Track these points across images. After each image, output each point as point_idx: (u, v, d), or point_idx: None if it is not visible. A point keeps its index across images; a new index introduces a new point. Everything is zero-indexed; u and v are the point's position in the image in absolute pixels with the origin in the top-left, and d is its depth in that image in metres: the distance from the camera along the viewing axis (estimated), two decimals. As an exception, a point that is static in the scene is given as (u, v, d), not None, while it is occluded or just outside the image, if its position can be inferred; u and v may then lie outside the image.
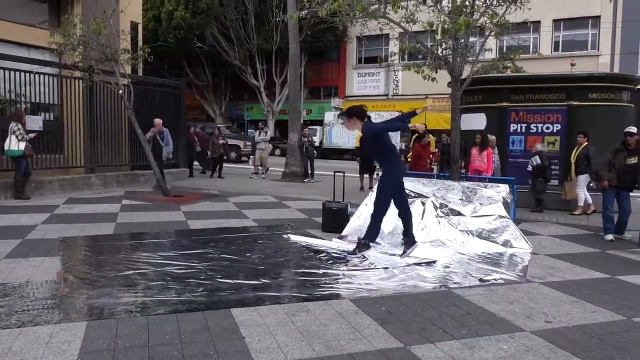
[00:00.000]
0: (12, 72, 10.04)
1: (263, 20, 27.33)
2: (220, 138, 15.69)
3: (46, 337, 3.45)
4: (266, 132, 15.82)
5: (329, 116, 27.88)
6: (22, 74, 10.23)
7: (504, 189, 7.23)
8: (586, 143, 9.45)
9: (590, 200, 9.66)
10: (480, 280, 5.21)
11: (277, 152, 26.98)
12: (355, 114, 6.02)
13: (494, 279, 5.25)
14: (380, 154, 6.14)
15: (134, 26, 14.20)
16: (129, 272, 5.06)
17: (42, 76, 10.68)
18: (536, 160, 9.63)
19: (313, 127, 25.00)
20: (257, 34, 27.50)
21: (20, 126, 9.32)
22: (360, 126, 6.01)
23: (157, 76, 19.78)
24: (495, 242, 6.60)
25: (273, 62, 28.75)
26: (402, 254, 5.98)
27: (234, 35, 27.17)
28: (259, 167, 15.63)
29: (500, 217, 6.88)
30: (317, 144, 24.44)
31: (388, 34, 21.56)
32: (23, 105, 10.40)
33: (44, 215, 8.08)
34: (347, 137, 26.22)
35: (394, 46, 25.98)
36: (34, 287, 4.52)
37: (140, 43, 14.00)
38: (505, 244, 6.60)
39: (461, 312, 4.22)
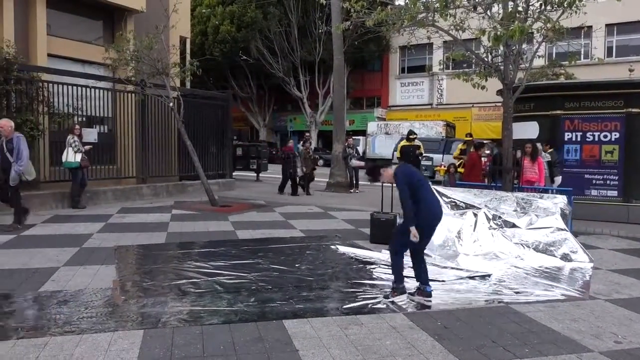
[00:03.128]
0: (69, 87, 10.49)
1: (306, 32, 27.63)
2: (310, 152, 14.35)
3: (105, 344, 3.50)
4: (310, 143, 15.86)
5: (372, 126, 27.66)
6: (79, 88, 10.67)
7: (561, 200, 6.91)
8: (551, 150, 9.52)
9: None
10: (540, 295, 4.97)
11: (321, 162, 27.04)
12: (370, 175, 5.31)
13: (555, 295, 5.01)
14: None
15: (183, 41, 14.59)
16: (181, 281, 5.13)
17: (97, 90, 11.11)
18: None
19: (356, 137, 24.84)
20: (300, 46, 27.82)
21: (76, 138, 9.72)
22: (392, 173, 4.92)
23: (203, 89, 20.28)
24: (554, 256, 6.32)
25: (316, 73, 28.97)
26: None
27: (278, 47, 27.58)
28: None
29: (559, 229, 6.57)
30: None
31: (432, 44, 21.30)
32: (79, 119, 10.83)
33: (99, 224, 8.33)
34: (391, 147, 25.95)
35: (440, 54, 25.62)
36: (91, 294, 4.64)
37: (188, 57, 14.35)
38: (564, 257, 6.30)
39: (522, 330, 4.02)
